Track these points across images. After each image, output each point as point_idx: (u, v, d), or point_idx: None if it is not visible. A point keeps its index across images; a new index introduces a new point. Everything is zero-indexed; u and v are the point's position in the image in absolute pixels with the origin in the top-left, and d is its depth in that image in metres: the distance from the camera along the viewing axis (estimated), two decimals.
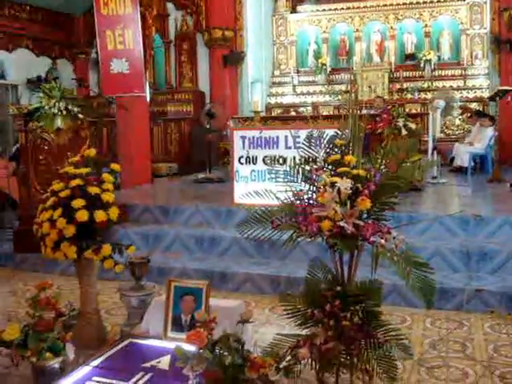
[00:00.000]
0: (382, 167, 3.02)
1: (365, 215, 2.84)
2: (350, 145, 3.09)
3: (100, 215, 3.54)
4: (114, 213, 3.60)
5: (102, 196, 3.63)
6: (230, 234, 5.69)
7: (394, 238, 2.80)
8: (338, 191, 2.77)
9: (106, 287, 5.10)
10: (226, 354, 2.49)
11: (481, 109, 12.29)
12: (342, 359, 2.85)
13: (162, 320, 3.61)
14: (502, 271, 4.86)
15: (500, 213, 5.88)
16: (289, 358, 2.85)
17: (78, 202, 3.53)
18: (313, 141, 3.22)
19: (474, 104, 12.80)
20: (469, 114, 11.64)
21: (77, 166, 3.76)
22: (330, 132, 3.27)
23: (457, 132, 12.69)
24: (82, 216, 3.51)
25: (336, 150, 3.10)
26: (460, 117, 12.85)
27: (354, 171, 2.86)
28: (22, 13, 13.65)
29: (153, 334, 3.66)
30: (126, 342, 3.59)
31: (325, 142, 3.19)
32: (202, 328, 2.67)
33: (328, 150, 3.14)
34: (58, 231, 3.55)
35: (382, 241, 2.75)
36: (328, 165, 3.04)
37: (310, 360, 2.84)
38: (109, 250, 3.57)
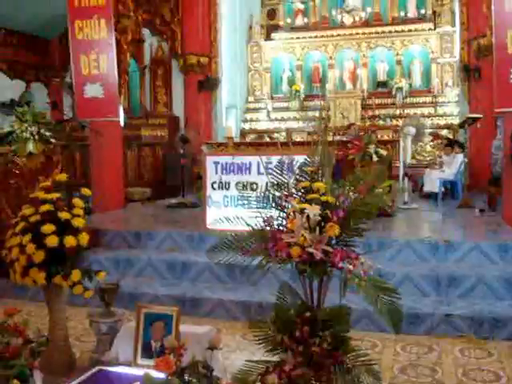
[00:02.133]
0: (351, 193, 3.06)
1: (334, 241, 2.87)
2: (320, 171, 3.13)
3: (70, 240, 3.52)
4: (83, 238, 3.58)
5: (72, 221, 3.60)
6: (202, 259, 5.68)
7: (362, 263, 2.84)
8: (307, 218, 2.80)
9: (76, 313, 5.04)
10: (194, 380, 2.48)
11: (451, 136, 12.54)
12: None
13: (132, 346, 3.58)
14: (471, 296, 4.94)
15: (469, 238, 5.99)
16: None
17: (47, 228, 3.51)
18: (283, 167, 3.26)
19: (445, 131, 13.07)
20: (440, 142, 11.87)
21: (48, 190, 3.74)
22: (300, 158, 3.32)
23: (428, 158, 12.91)
24: (52, 241, 3.48)
25: (306, 176, 3.14)
26: (431, 143, 13.10)
27: (323, 198, 2.89)
28: None
29: (122, 361, 3.63)
30: (95, 370, 3.54)
31: (295, 168, 3.23)
32: (171, 354, 2.66)
33: (298, 177, 3.17)
34: (27, 257, 3.52)
35: (350, 266, 2.78)
36: (298, 191, 3.08)
37: None
38: (78, 275, 3.54)
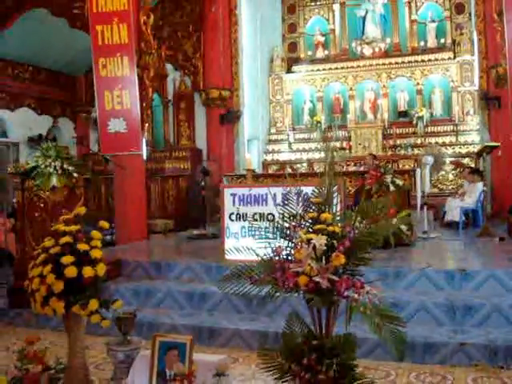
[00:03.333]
0: (358, 224, 3.15)
1: (340, 270, 2.95)
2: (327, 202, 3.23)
3: (88, 271, 3.66)
4: (101, 269, 3.72)
5: (91, 252, 3.75)
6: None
7: (367, 292, 2.91)
8: (314, 247, 2.89)
9: (96, 342, 5.15)
10: None
11: (473, 164, 12.52)
12: None
13: (148, 374, 3.67)
14: (486, 324, 4.93)
15: (486, 266, 5.98)
16: None
17: (67, 259, 3.66)
18: (295, 198, 3.36)
19: (466, 159, 13.04)
20: (462, 170, 11.85)
21: (67, 223, 3.90)
22: (309, 189, 3.41)
23: (450, 187, 12.88)
24: (71, 272, 3.62)
25: (314, 207, 3.24)
26: (453, 172, 13.08)
27: (330, 228, 2.98)
28: (25, 73, 14.11)
29: None
30: None
31: (304, 199, 3.33)
32: (182, 381, 2.75)
33: (306, 208, 3.27)
34: (47, 287, 3.66)
35: (355, 295, 2.85)
36: (306, 221, 3.17)
37: None
38: (96, 304, 3.67)
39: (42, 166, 5.88)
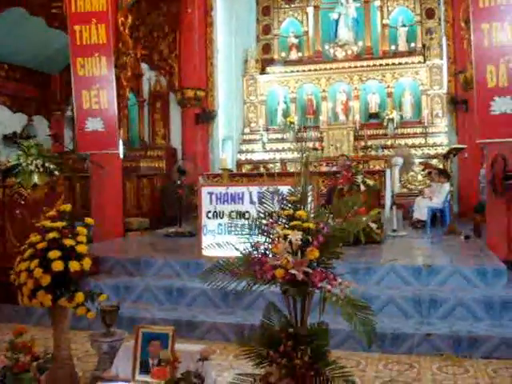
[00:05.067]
0: (330, 221, 3.38)
1: (315, 264, 3.18)
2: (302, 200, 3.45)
3: (74, 265, 3.82)
4: (87, 263, 3.89)
5: (77, 248, 3.92)
6: (198, 285, 5.96)
7: (339, 283, 3.15)
8: (290, 242, 3.12)
9: (78, 336, 5.31)
10: None
11: (441, 165, 12.89)
12: None
13: (131, 364, 3.86)
14: (451, 317, 5.23)
15: (450, 263, 6.29)
16: None
17: (54, 254, 3.82)
18: (272, 197, 3.59)
19: (435, 160, 13.41)
20: (427, 171, 12.22)
21: (53, 219, 4.06)
22: (285, 189, 3.64)
23: (419, 187, 13.22)
24: (58, 266, 3.79)
25: (289, 205, 3.46)
26: (422, 172, 13.46)
27: (305, 224, 3.21)
28: (1, 70, 14.06)
29: (122, 378, 3.90)
30: None
31: (281, 197, 3.55)
32: (167, 366, 2.95)
33: (282, 205, 3.49)
34: (34, 280, 3.82)
35: (329, 286, 3.09)
36: (282, 218, 3.39)
37: None
38: (82, 297, 3.84)
39: (24, 164, 6.00)
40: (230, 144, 14.90)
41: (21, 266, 3.93)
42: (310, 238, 3.16)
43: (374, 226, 7.36)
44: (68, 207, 4.16)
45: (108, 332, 4.22)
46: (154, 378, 2.73)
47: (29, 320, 5.99)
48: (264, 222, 3.41)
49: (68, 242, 3.91)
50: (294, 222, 3.22)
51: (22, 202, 6.38)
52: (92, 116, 8.82)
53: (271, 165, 14.70)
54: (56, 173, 6.22)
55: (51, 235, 3.91)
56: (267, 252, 3.24)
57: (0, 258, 6.56)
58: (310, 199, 3.52)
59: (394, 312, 5.33)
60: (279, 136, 15.32)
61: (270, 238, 3.30)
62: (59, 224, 3.98)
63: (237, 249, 3.36)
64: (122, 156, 9.34)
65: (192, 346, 4.24)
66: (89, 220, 4.19)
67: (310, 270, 3.06)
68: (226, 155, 9.90)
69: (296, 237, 3.12)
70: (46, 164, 6.06)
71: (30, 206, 6.35)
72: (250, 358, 3.27)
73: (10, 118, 14.39)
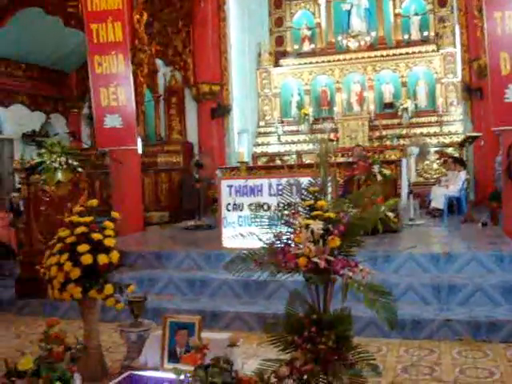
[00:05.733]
0: (350, 210, 3.48)
1: (336, 252, 3.28)
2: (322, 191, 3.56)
3: (102, 258, 3.98)
4: (115, 256, 4.04)
5: (104, 241, 4.07)
6: (220, 276, 6.11)
7: (361, 270, 3.25)
8: (312, 232, 3.22)
9: (106, 328, 5.47)
10: (216, 370, 2.89)
11: (457, 154, 12.90)
12: (320, 379, 3.25)
13: (159, 353, 4.00)
14: (470, 302, 5.31)
15: (468, 249, 6.36)
16: (273, 380, 3.25)
17: (83, 247, 3.97)
18: (293, 188, 3.70)
19: (450, 149, 13.40)
20: (443, 160, 12.25)
21: (81, 214, 4.21)
22: (306, 180, 3.74)
23: (435, 176, 13.22)
24: (87, 259, 3.94)
25: (310, 195, 3.57)
26: (437, 161, 13.46)
27: (326, 214, 3.31)
28: (18, 70, 14.29)
29: (150, 366, 4.04)
30: (126, 374, 3.96)
31: (301, 188, 3.66)
32: (197, 353, 3.08)
33: (303, 196, 3.60)
34: (64, 274, 3.97)
35: (350, 273, 3.20)
36: (303, 209, 3.50)
37: (291, 380, 3.24)
38: (111, 289, 3.99)
39: (48, 162, 6.16)
40: (245, 137, 14.97)
41: (51, 260, 4.09)
42: (330, 227, 3.26)
43: (391, 215, 7.47)
44: (95, 202, 4.30)
45: (136, 322, 4.36)
46: (185, 362, 2.86)
47: (55, 313, 6.12)
48: (286, 212, 3.52)
49: (96, 236, 4.06)
50: (315, 212, 3.32)
51: (47, 199, 6.55)
52: (110, 113, 8.96)
53: (287, 157, 14.77)
54: (79, 169, 6.38)
55: (80, 230, 4.06)
56: (290, 242, 3.35)
57: (27, 253, 6.75)
58: (329, 190, 3.63)
59: (413, 299, 5.43)
60: (294, 128, 15.38)
61: (292, 228, 3.41)
62: (87, 219, 4.12)
63: (260, 239, 3.47)
64: (140, 151, 9.48)
65: (217, 334, 4.38)
66: (115, 214, 4.33)
67: (332, 258, 3.17)
68: (242, 148, 10.00)
69: (317, 226, 3.22)
70: (70, 161, 6.22)
71: (55, 203, 6.53)
72: (276, 345, 3.39)
73: (28, 116, 14.63)
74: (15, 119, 14.22)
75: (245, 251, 3.45)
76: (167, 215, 11.27)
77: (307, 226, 3.25)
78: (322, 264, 3.13)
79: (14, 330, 5.94)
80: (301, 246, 3.23)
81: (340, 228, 3.25)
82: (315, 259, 3.14)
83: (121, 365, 4.38)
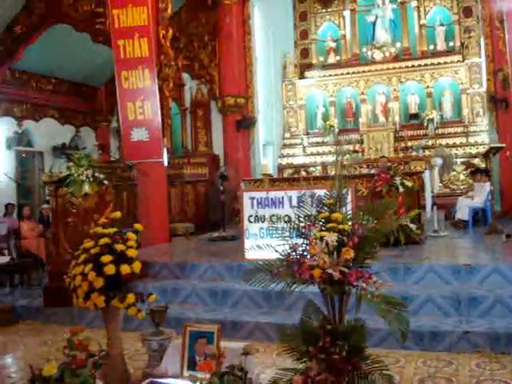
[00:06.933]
0: (365, 222, 3.54)
1: (350, 263, 3.35)
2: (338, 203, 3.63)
3: (125, 268, 4.10)
4: (137, 266, 4.16)
5: (127, 252, 4.19)
6: (241, 286, 6.20)
7: (374, 282, 3.31)
8: (326, 243, 3.30)
9: (130, 337, 5.59)
10: (231, 378, 2.98)
11: (483, 164, 12.81)
12: None
13: (179, 361, 4.10)
14: (490, 314, 5.30)
15: (490, 261, 6.34)
16: None
17: (106, 258, 4.10)
18: (309, 200, 3.78)
19: (477, 159, 13.33)
20: (469, 171, 12.18)
21: (104, 226, 4.35)
22: (321, 192, 3.82)
23: (461, 187, 13.19)
24: (110, 270, 4.07)
25: (326, 208, 3.64)
26: (464, 172, 13.39)
27: (340, 226, 3.39)
28: (48, 85, 14.71)
29: (171, 374, 4.15)
30: (147, 381, 4.08)
31: (317, 201, 3.73)
32: (213, 360, 3.17)
33: (319, 208, 3.68)
34: (88, 283, 4.11)
35: (364, 284, 3.26)
36: (319, 221, 3.58)
37: None
38: (133, 298, 4.11)
39: (75, 175, 6.35)
40: (270, 149, 15.13)
41: (76, 270, 4.23)
42: (345, 239, 3.33)
43: (413, 226, 7.49)
44: (118, 214, 4.44)
45: (157, 331, 4.47)
46: (201, 369, 2.96)
47: (80, 322, 6.31)
48: (302, 224, 3.60)
49: (119, 246, 4.19)
50: (330, 224, 3.39)
51: (74, 211, 6.74)
52: (137, 126, 9.16)
53: (312, 168, 14.86)
54: (105, 182, 6.56)
55: (103, 241, 4.19)
56: (305, 253, 3.42)
57: (54, 263, 6.94)
58: (347, 201, 3.70)
59: (433, 311, 5.43)
60: (319, 139, 15.47)
61: (307, 239, 3.48)
62: (110, 230, 4.26)
63: (276, 250, 3.55)
64: (166, 164, 9.66)
65: (236, 343, 4.46)
66: (137, 226, 4.46)
67: (346, 270, 3.23)
68: (266, 160, 10.11)
69: (332, 238, 3.29)
70: (96, 174, 6.40)
71: (81, 214, 6.71)
72: (291, 354, 3.47)
73: (58, 130, 15.02)
74: (46, 133, 14.62)
75: (260, 262, 3.53)
76: (193, 226, 11.41)
77: (322, 238, 3.32)
78: (336, 275, 3.19)
79: (41, 338, 6.11)
80: (316, 258, 3.30)
81: (354, 240, 3.32)
82: (329, 270, 3.21)
83: (142, 372, 4.49)
